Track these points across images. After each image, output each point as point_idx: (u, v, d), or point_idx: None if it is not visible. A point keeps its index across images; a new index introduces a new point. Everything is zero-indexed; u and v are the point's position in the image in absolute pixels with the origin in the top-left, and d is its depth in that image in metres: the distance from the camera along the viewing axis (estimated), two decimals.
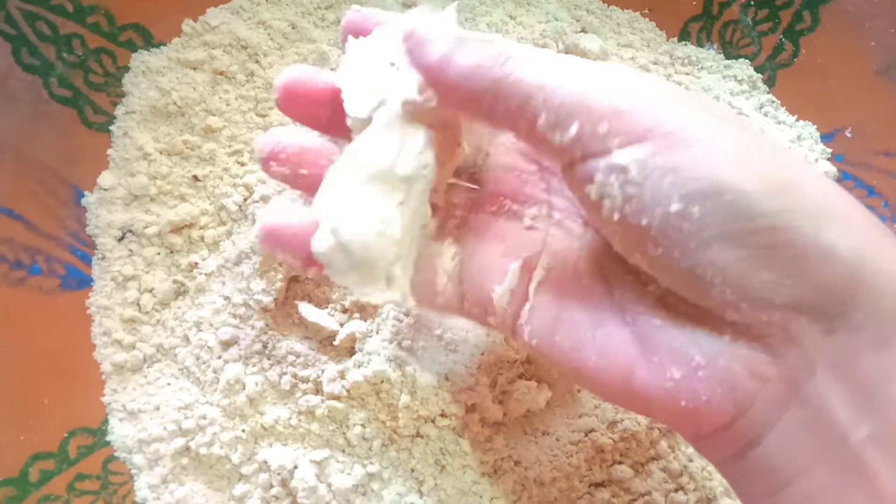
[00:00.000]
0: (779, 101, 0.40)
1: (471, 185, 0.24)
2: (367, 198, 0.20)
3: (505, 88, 0.18)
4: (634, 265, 0.19)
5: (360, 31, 0.23)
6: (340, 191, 0.20)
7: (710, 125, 0.18)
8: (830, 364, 0.18)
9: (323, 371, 0.32)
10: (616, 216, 0.18)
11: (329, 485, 0.31)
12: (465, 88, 0.19)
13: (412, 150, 0.20)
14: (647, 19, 0.42)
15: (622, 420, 0.32)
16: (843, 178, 0.38)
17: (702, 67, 0.41)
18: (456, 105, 0.20)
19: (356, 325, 0.32)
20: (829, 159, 0.38)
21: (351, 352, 0.32)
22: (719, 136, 0.18)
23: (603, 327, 0.20)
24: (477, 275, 0.22)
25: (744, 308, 0.18)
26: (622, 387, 0.20)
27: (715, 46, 0.41)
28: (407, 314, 0.32)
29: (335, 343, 0.32)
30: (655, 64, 0.41)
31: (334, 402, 0.31)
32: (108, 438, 0.33)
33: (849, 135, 0.38)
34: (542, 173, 0.24)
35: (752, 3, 0.39)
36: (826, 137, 0.38)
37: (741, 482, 0.20)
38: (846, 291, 0.17)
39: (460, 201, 0.24)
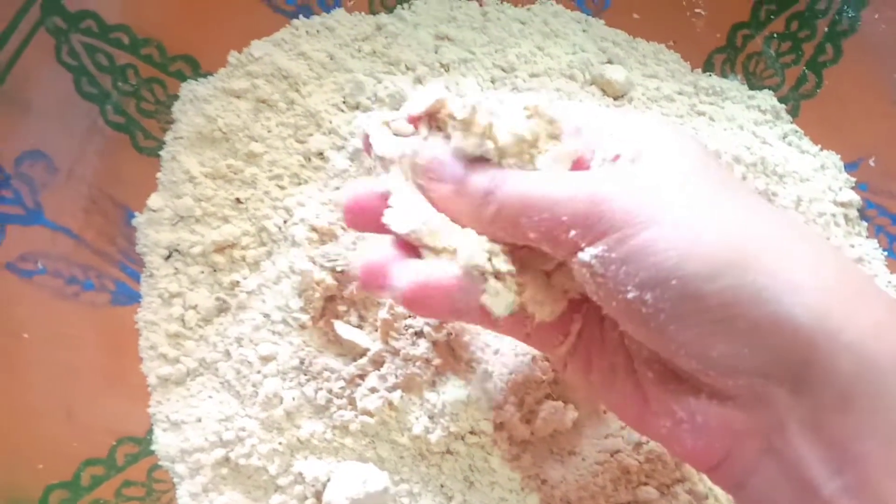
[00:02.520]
0: (802, 131, 0.40)
1: None
2: None
3: (501, 219, 0.21)
4: None
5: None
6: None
7: (661, 207, 0.19)
8: (800, 422, 0.18)
9: (357, 387, 0.33)
10: (595, 298, 0.21)
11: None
12: (470, 221, 0.22)
13: None
14: (671, 51, 0.43)
15: (648, 441, 0.33)
16: (867, 207, 0.38)
17: (726, 97, 0.42)
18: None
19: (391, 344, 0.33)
20: (852, 188, 0.39)
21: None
22: (668, 218, 0.19)
23: (617, 374, 0.23)
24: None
25: (711, 374, 0.19)
26: (639, 425, 0.22)
27: (739, 77, 0.42)
28: (439, 333, 0.33)
29: (368, 360, 0.33)
30: (680, 94, 0.42)
31: (367, 418, 0.32)
32: (152, 447, 0.34)
33: (872, 164, 0.38)
34: None
35: (776, 35, 0.40)
36: (850, 167, 0.39)
37: None
38: (803, 355, 0.18)
39: None
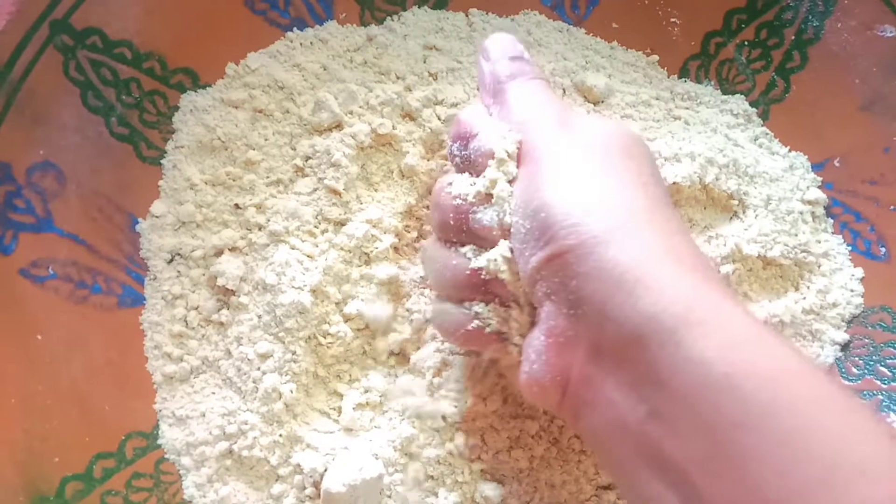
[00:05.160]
0: (772, 134, 0.42)
1: None
2: None
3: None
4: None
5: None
6: None
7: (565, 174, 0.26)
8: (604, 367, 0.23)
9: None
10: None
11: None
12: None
13: None
14: (649, 58, 0.45)
15: None
16: (833, 205, 0.41)
17: (700, 102, 0.44)
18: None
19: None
20: (819, 187, 0.41)
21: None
22: (554, 176, 0.26)
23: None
24: None
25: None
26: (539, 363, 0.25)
27: (712, 83, 0.44)
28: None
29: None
30: (657, 99, 0.44)
31: (362, 412, 0.34)
32: (159, 442, 0.36)
33: (837, 164, 0.40)
34: None
35: (746, 43, 0.43)
36: (816, 167, 0.41)
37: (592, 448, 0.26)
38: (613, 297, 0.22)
39: None
